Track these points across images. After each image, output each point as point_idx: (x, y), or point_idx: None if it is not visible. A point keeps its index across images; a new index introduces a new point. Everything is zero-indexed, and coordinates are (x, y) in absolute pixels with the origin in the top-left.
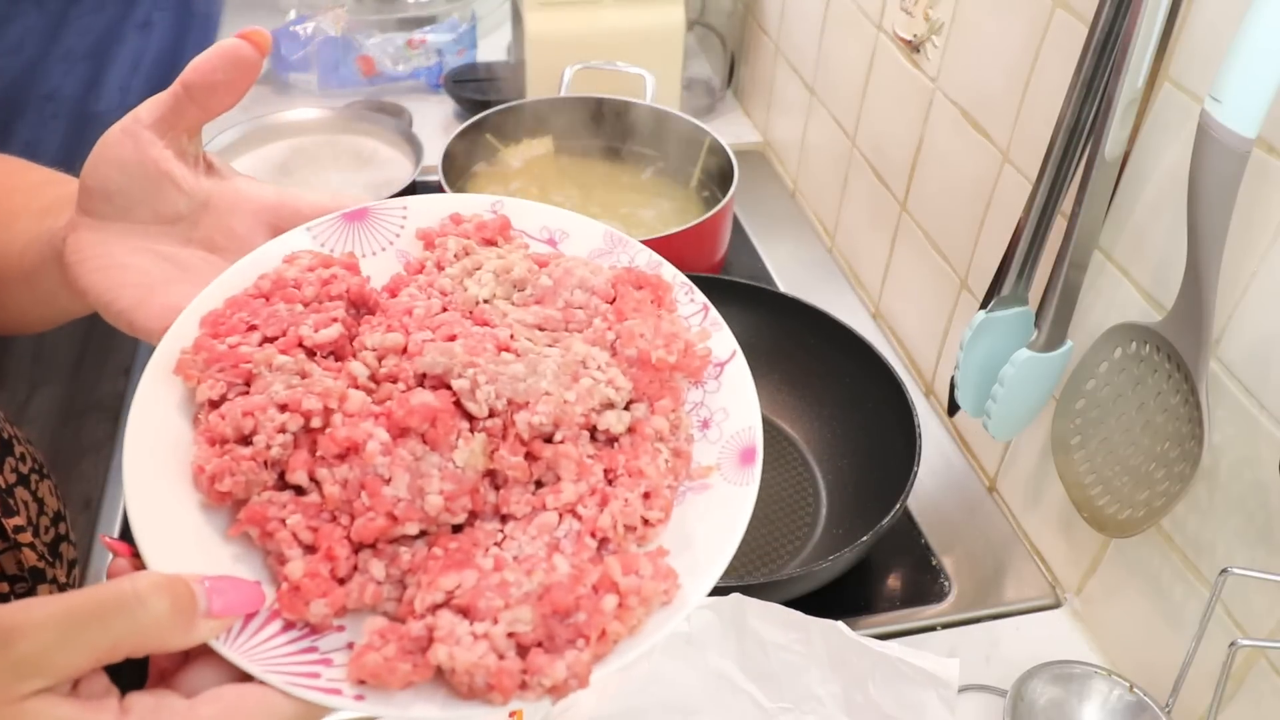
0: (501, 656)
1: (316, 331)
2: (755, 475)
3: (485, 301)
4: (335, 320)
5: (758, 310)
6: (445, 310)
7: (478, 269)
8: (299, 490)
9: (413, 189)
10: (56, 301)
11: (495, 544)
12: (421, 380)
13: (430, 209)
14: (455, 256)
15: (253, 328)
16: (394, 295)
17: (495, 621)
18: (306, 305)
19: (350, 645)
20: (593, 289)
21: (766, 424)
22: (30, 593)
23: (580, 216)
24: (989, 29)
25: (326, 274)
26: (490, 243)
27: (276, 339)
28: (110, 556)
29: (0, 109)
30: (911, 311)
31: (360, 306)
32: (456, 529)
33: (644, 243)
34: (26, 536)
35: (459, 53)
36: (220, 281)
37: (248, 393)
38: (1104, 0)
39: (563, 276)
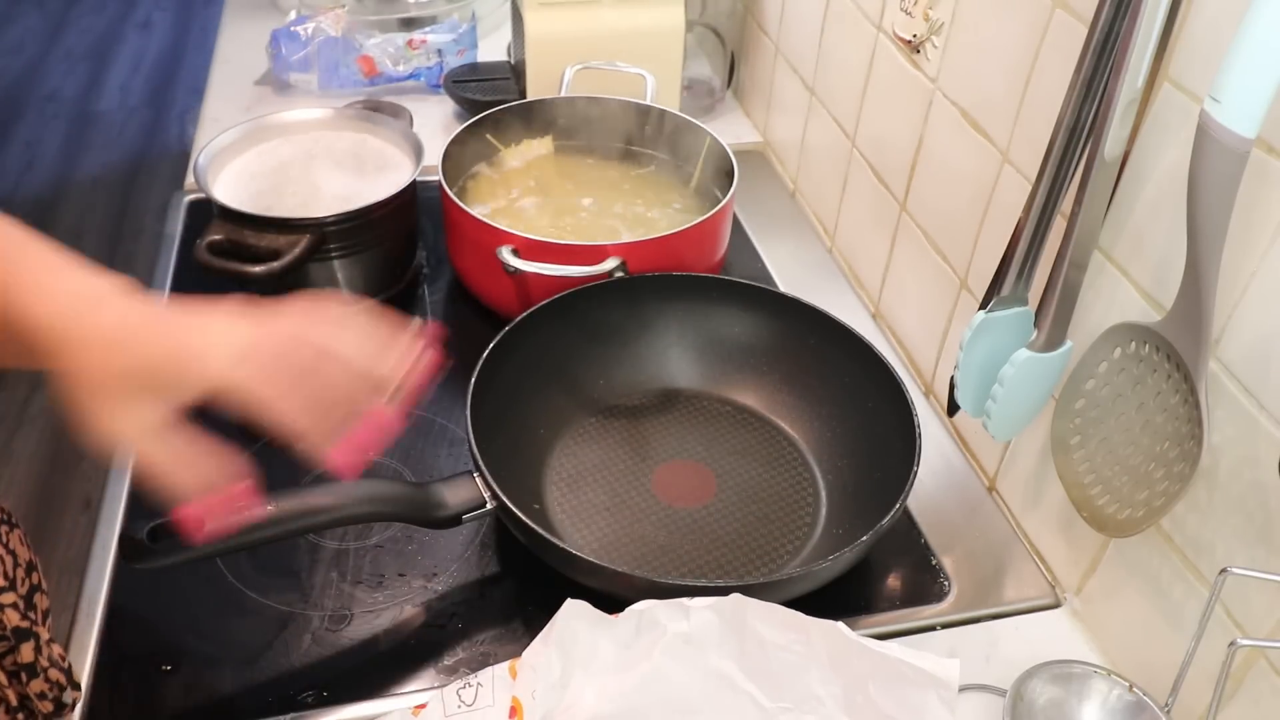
0: None
1: None
2: None
3: None
4: None
5: (758, 310)
6: None
7: None
8: None
9: (413, 189)
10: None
11: None
12: None
13: None
14: None
15: None
16: None
17: None
18: None
19: None
20: None
21: (767, 424)
22: (12, 652)
23: None
24: (989, 29)
25: None
26: None
27: None
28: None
29: (0, 109)
30: (911, 311)
31: None
32: None
33: (644, 243)
34: (10, 597)
35: (459, 53)
36: None
37: None
38: (1104, 0)
39: None
